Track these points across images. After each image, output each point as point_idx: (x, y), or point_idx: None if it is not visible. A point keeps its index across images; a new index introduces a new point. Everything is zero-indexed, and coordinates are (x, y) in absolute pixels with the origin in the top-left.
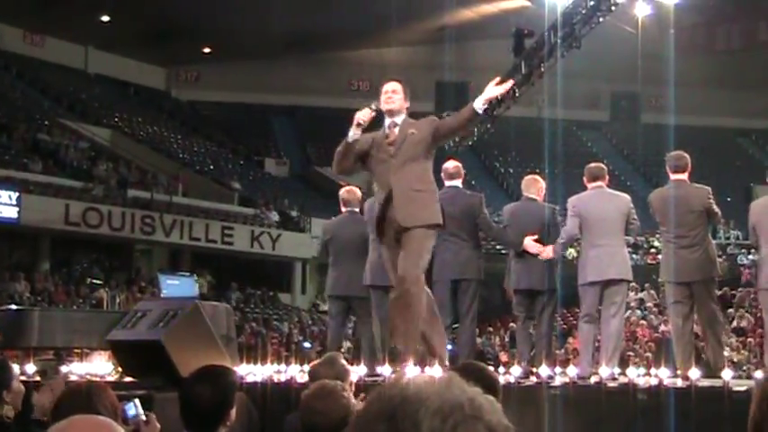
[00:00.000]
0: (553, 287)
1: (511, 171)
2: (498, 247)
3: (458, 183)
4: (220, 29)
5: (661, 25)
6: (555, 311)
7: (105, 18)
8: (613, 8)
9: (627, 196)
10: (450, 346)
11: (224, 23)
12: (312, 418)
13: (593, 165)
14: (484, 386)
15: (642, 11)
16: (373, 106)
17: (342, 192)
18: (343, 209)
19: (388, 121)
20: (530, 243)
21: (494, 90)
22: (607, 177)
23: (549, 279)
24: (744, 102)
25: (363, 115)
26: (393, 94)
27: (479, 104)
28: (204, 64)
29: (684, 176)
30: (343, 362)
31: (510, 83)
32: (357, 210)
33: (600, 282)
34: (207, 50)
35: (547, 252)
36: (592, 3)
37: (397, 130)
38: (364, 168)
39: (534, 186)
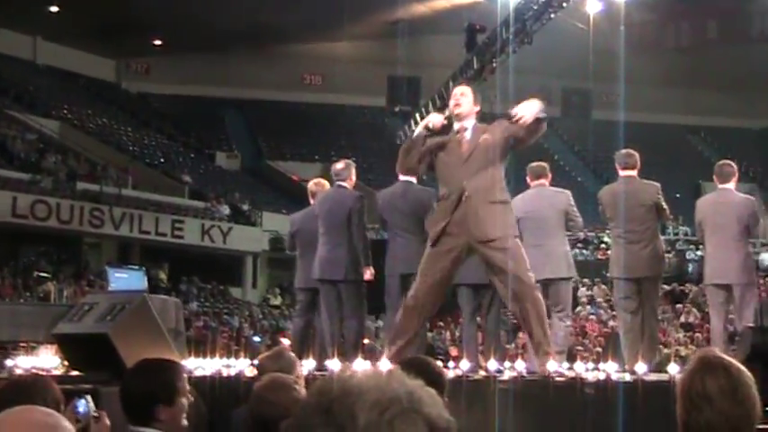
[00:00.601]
0: None
1: None
2: None
3: (412, 179)
4: (172, 21)
5: (612, 22)
6: (502, 306)
7: (54, 8)
8: (565, 5)
9: (567, 193)
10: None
11: (175, 16)
12: (263, 409)
13: (534, 164)
14: (428, 380)
15: (593, 7)
16: (446, 113)
17: (310, 184)
18: (312, 201)
19: (457, 125)
20: None
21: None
22: (549, 175)
23: None
24: (693, 99)
25: (434, 120)
26: (461, 98)
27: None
28: (155, 56)
29: (634, 173)
30: (291, 355)
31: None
32: None
33: (539, 280)
34: (158, 43)
35: None
36: None
37: (467, 134)
38: (430, 170)
39: None
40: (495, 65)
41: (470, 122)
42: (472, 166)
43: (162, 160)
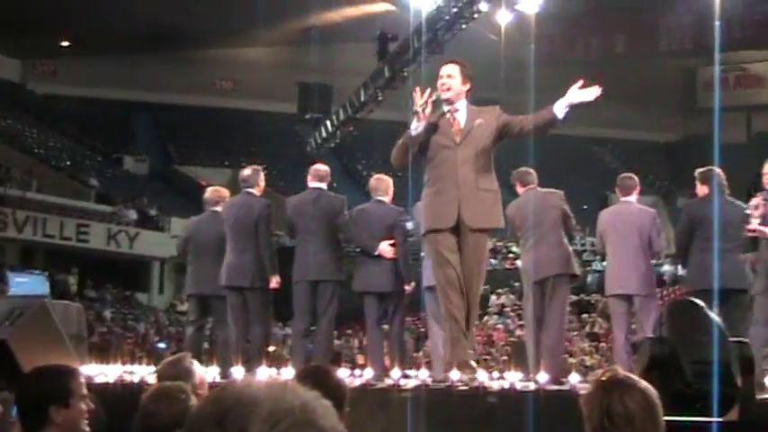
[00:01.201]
0: (400, 289)
1: (373, 174)
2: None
3: (323, 185)
4: (80, 22)
5: (522, 34)
6: (405, 314)
7: None
8: (476, 15)
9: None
10: (310, 346)
11: (84, 16)
12: (146, 420)
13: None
14: (327, 390)
15: (504, 19)
16: (434, 96)
17: (207, 192)
18: (207, 208)
19: (446, 107)
20: (385, 248)
21: (578, 95)
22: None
23: (397, 281)
24: (601, 112)
25: (422, 106)
26: (448, 80)
27: (560, 110)
28: (62, 58)
29: (533, 187)
30: (189, 362)
31: (597, 89)
32: (219, 209)
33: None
34: (65, 44)
35: (389, 252)
36: (455, 9)
37: (460, 116)
38: (421, 156)
39: (382, 187)
40: (406, 74)
41: (462, 103)
42: (466, 151)
43: (68, 163)
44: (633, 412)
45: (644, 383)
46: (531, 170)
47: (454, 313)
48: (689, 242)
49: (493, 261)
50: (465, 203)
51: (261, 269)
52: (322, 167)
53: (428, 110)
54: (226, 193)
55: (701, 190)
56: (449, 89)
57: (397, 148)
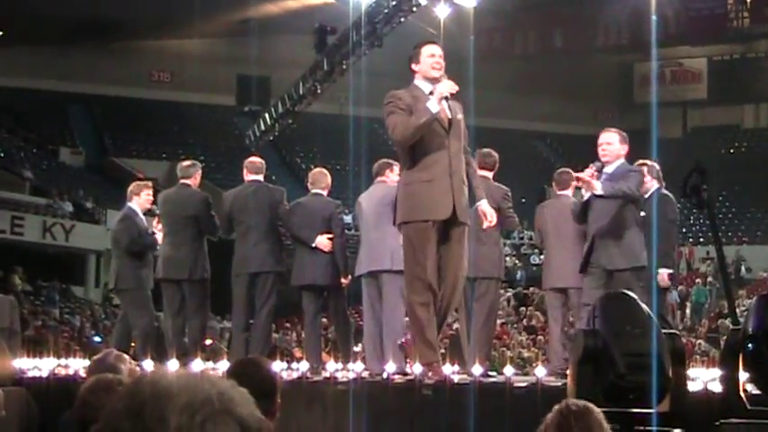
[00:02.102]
0: (337, 283)
1: (312, 167)
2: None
3: (260, 177)
4: (11, 11)
5: (461, 28)
6: (344, 307)
7: None
8: (415, 9)
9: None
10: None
11: (16, 6)
12: (86, 412)
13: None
14: (258, 382)
15: (443, 12)
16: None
17: (131, 186)
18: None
19: (428, 87)
20: (323, 240)
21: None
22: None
23: (334, 274)
24: (539, 106)
25: (451, 88)
26: (440, 59)
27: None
28: None
29: (489, 174)
30: (114, 359)
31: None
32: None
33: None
34: None
35: (327, 245)
36: (394, 2)
37: (445, 104)
38: None
39: (322, 181)
40: (345, 67)
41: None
42: (454, 141)
43: (1, 155)
44: None
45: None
46: (495, 154)
47: (420, 314)
48: None
49: None
50: (456, 195)
51: (198, 261)
52: (257, 160)
53: (453, 90)
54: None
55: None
56: (442, 69)
57: (417, 128)
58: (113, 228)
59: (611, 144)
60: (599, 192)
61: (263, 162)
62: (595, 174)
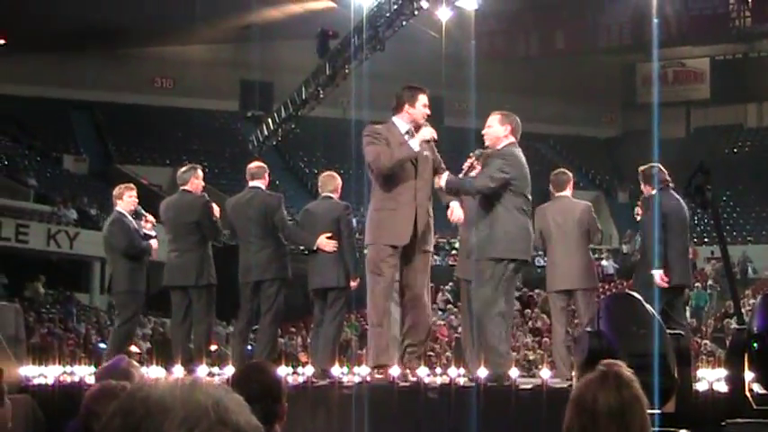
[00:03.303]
0: (344, 285)
1: (315, 171)
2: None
3: (259, 183)
4: (16, 20)
5: (463, 30)
6: (343, 309)
7: None
8: (417, 12)
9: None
10: (249, 347)
11: (20, 15)
12: (91, 419)
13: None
14: (264, 386)
15: (444, 15)
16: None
17: (116, 190)
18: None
19: (404, 127)
20: (323, 241)
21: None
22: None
23: (341, 277)
24: (542, 108)
25: (432, 135)
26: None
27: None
28: None
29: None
30: (126, 364)
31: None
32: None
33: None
34: (1, 42)
35: (329, 245)
36: (395, 6)
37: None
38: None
39: (331, 184)
40: (347, 71)
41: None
42: (420, 175)
43: (6, 163)
44: (600, 410)
45: (631, 384)
46: None
47: (386, 322)
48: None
49: (436, 257)
50: (419, 223)
51: (203, 267)
52: (254, 165)
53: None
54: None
55: (646, 189)
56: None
57: (398, 161)
58: (105, 232)
59: (491, 126)
60: (442, 185)
61: (263, 166)
62: (474, 163)
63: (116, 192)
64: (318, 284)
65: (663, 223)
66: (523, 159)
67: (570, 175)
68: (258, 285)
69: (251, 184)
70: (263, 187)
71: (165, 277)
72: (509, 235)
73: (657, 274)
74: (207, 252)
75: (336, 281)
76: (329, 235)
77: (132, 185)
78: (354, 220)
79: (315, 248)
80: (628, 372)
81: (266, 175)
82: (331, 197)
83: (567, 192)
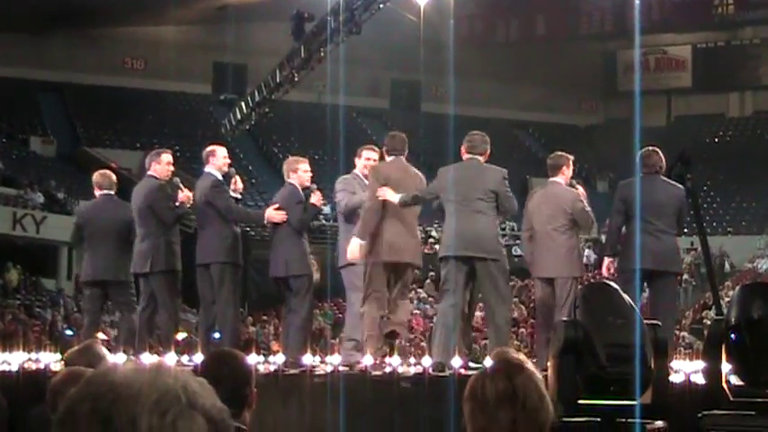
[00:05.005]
0: (305, 272)
1: (290, 157)
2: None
3: (209, 167)
4: None
5: (442, 14)
6: (308, 295)
7: None
8: None
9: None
10: (217, 335)
11: None
12: (58, 406)
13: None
14: (233, 374)
15: None
16: None
17: (95, 175)
18: (97, 192)
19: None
20: (270, 213)
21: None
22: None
23: (300, 263)
24: (522, 95)
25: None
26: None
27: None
28: None
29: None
30: (98, 349)
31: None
32: (112, 193)
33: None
34: None
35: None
36: None
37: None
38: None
39: (291, 168)
40: (323, 54)
41: None
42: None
43: None
44: (488, 397)
45: (524, 368)
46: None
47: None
48: (622, 223)
49: None
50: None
51: (161, 253)
52: (208, 149)
53: None
54: (113, 177)
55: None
56: None
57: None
58: (111, 217)
59: None
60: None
61: (215, 149)
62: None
63: (103, 180)
64: (277, 273)
65: (624, 209)
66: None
67: (567, 158)
68: (207, 269)
69: (204, 168)
70: (214, 171)
71: (133, 264)
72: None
73: (605, 261)
74: (168, 238)
75: (296, 268)
76: (276, 206)
77: (107, 172)
78: (327, 208)
79: (265, 222)
80: (517, 356)
81: (212, 158)
82: (293, 183)
83: (560, 178)
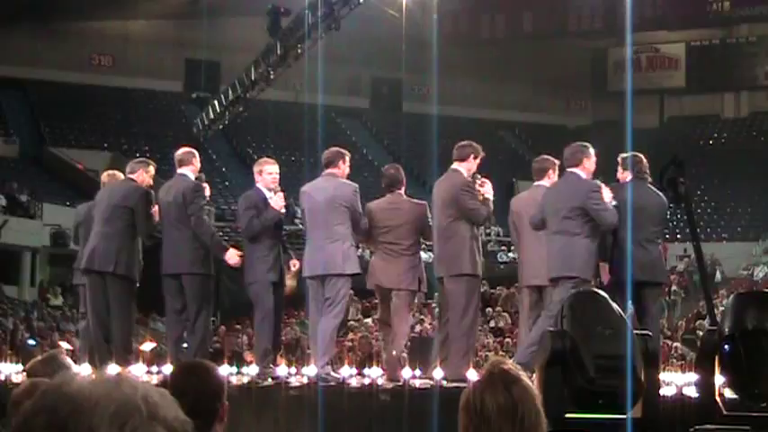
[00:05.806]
0: (274, 280)
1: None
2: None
3: (184, 170)
4: None
5: (425, 11)
6: (273, 306)
7: None
8: None
9: (351, 185)
10: (185, 345)
11: None
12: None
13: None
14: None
15: None
16: None
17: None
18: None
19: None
20: (230, 254)
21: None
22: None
23: (266, 272)
24: (508, 94)
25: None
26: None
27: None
28: None
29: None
30: (63, 359)
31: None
32: None
33: (315, 277)
34: None
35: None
36: None
37: None
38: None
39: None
40: (300, 51)
41: None
42: None
43: None
44: (488, 411)
45: (520, 381)
46: (471, 145)
47: None
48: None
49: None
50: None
51: (122, 255)
52: (180, 151)
53: None
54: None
55: (623, 176)
56: None
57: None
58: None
59: None
60: None
61: (192, 151)
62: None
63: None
64: (245, 281)
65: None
66: None
67: (553, 162)
68: (178, 279)
69: (179, 171)
70: (190, 174)
71: (83, 260)
72: None
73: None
74: (132, 243)
75: (250, 275)
76: (240, 254)
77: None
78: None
79: (224, 258)
80: (514, 368)
81: (195, 161)
82: (258, 187)
83: (545, 181)
